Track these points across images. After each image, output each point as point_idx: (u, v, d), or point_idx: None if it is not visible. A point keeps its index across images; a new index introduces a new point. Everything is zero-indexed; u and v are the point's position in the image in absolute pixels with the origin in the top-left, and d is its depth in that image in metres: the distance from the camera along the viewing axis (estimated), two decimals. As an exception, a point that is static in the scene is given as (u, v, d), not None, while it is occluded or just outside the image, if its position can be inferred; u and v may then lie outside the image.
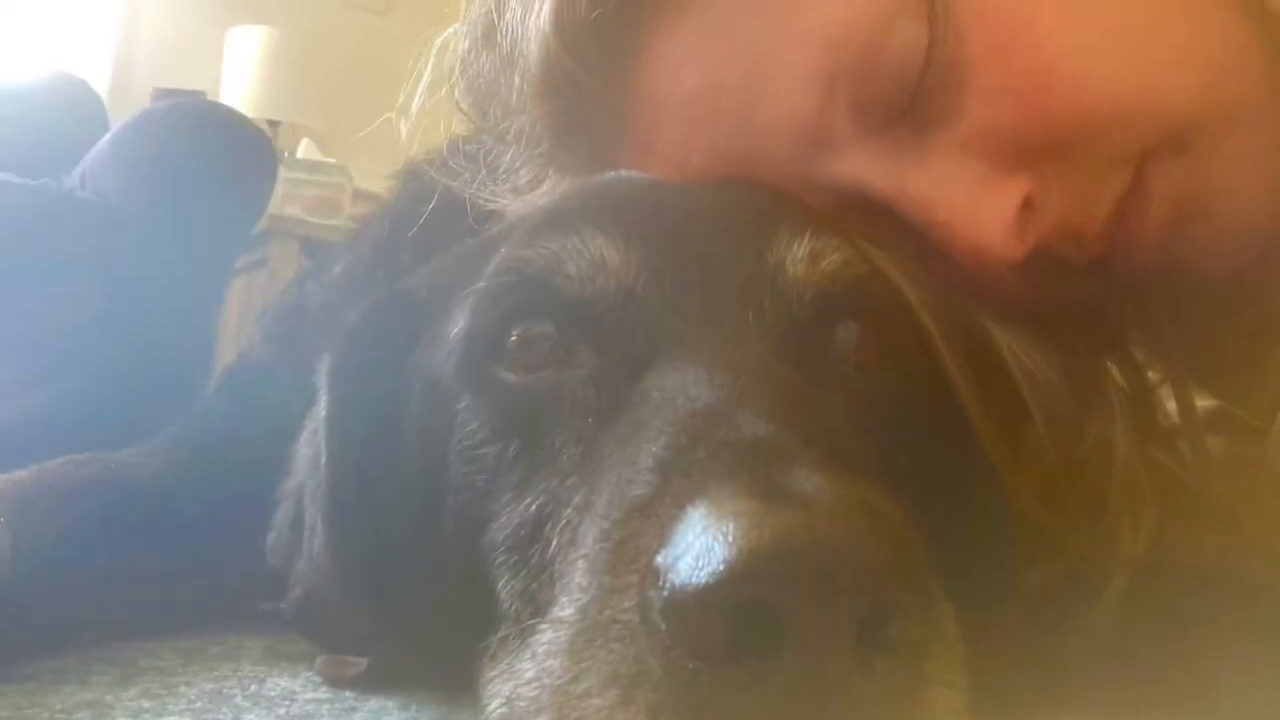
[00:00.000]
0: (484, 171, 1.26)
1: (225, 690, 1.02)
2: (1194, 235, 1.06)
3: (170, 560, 1.27)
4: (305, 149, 5.18)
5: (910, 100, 1.01)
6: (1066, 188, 1.03)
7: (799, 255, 0.94)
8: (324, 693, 1.04)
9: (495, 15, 1.18)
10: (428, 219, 1.35)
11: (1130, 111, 1.00)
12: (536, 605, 0.81)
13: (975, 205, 1.01)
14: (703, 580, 0.61)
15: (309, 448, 1.10)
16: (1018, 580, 1.02)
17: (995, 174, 1.01)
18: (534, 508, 0.86)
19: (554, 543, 0.82)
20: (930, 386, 0.99)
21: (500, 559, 0.87)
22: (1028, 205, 1.02)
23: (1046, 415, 1.03)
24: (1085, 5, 1.01)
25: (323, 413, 1.04)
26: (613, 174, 1.13)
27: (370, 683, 1.04)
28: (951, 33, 0.99)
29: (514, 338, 0.94)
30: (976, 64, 1.00)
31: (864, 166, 1.04)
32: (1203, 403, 1.26)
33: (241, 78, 5.41)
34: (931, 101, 1.01)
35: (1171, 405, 1.25)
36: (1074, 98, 0.99)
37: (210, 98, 4.92)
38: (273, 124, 5.29)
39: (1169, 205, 1.04)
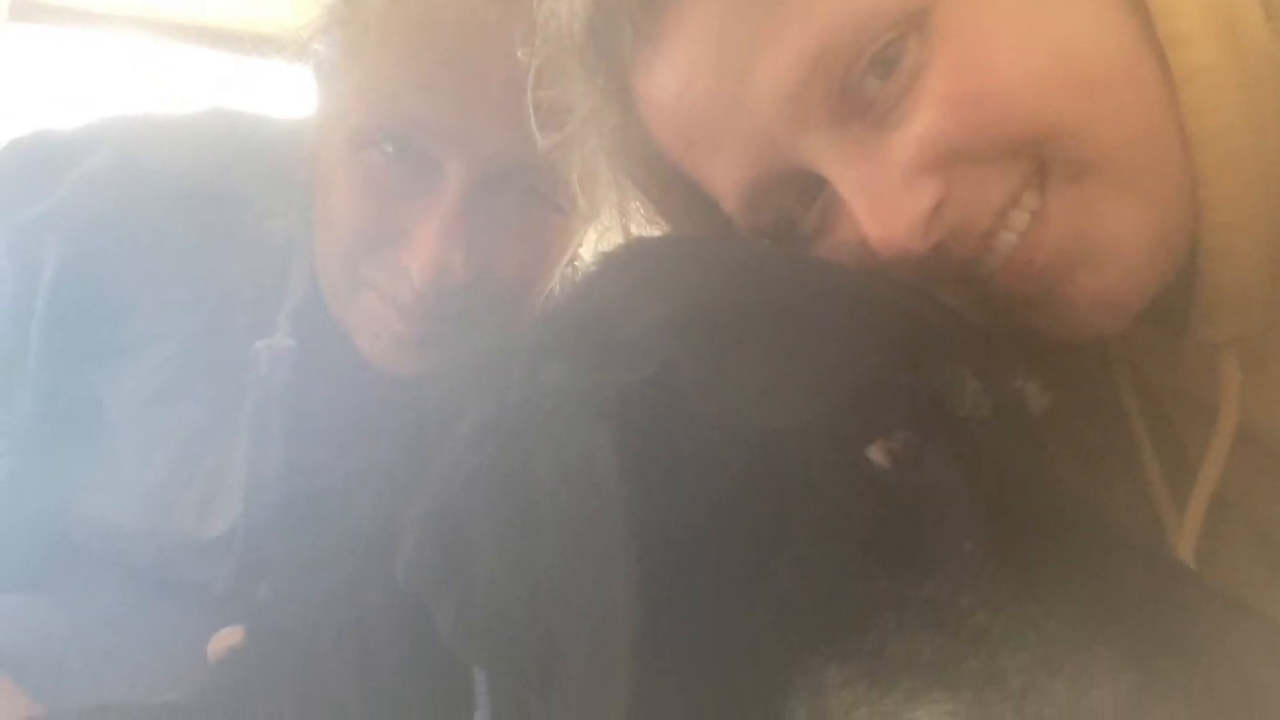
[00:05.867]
0: None
1: None
2: (1078, 282, 1.12)
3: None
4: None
5: (874, 97, 1.09)
6: (971, 188, 1.09)
7: None
8: None
9: None
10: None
11: (1069, 129, 1.06)
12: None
13: (895, 200, 1.08)
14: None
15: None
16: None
17: (919, 175, 1.08)
18: None
19: None
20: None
21: None
22: (938, 206, 1.08)
23: None
24: (1038, 35, 1.07)
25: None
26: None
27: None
28: (928, 41, 1.07)
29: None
30: (937, 74, 1.07)
31: (822, 149, 1.11)
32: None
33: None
34: (893, 104, 1.09)
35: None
36: (1018, 116, 1.06)
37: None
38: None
39: (1063, 234, 1.10)
